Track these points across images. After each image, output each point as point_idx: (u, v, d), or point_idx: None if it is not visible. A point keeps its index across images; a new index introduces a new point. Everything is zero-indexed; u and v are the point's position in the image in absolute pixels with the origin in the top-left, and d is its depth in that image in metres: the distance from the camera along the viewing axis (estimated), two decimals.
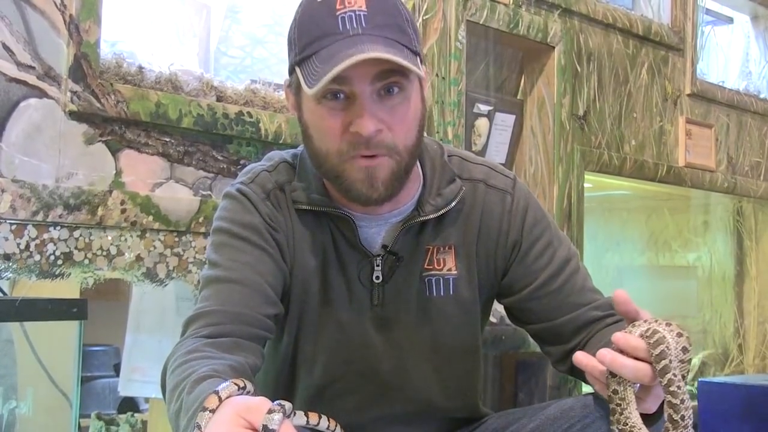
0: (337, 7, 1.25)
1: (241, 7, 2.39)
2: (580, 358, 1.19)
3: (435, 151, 1.44)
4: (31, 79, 1.73)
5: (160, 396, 2.16)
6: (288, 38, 1.33)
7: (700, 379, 2.97)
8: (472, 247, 1.43)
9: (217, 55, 2.36)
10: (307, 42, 1.27)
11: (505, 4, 2.64)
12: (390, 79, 1.26)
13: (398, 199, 1.37)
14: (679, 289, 4.01)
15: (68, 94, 1.77)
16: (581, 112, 2.94)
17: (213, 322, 1.25)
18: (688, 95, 3.40)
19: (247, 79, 2.20)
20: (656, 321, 1.15)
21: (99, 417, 2.55)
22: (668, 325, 1.14)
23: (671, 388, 1.10)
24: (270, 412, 0.95)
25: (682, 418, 1.10)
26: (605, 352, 1.14)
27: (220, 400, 1.00)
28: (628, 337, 1.14)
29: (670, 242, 3.95)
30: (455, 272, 1.42)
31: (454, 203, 1.40)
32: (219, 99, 2.02)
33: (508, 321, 2.43)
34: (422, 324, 1.42)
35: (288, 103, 1.39)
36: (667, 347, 1.10)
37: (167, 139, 1.94)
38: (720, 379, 3.15)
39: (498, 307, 1.57)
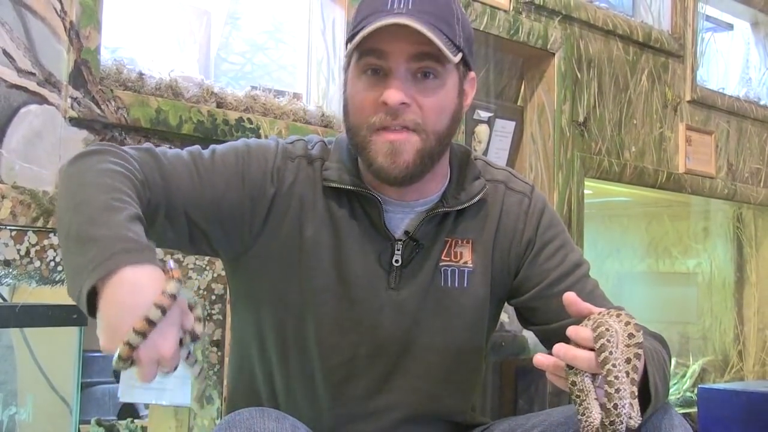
0: None
1: (241, 14, 2.40)
2: (540, 359, 1.21)
3: (462, 153, 1.50)
4: (32, 85, 1.74)
5: (161, 402, 2.18)
6: (347, 27, 1.41)
7: (700, 386, 2.97)
8: (489, 244, 1.47)
9: (218, 61, 2.36)
10: (358, 20, 1.35)
11: (505, 11, 2.64)
12: (425, 62, 1.33)
13: (425, 190, 1.42)
14: (679, 296, 4.01)
15: (68, 100, 1.77)
16: (581, 119, 2.94)
17: (146, 172, 1.27)
18: (689, 102, 3.41)
19: (248, 86, 2.20)
20: (608, 312, 1.20)
21: (99, 423, 2.55)
22: (618, 315, 1.19)
23: (609, 378, 1.13)
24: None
25: (615, 407, 1.13)
26: (559, 346, 1.18)
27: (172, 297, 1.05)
28: (578, 329, 1.18)
29: (670, 249, 3.95)
30: (471, 266, 1.45)
31: (476, 198, 1.45)
32: (219, 105, 2.02)
33: (508, 327, 2.44)
34: (434, 313, 1.43)
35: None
36: (608, 340, 1.14)
37: (167, 146, 1.94)
38: (720, 385, 3.14)
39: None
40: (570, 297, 1.24)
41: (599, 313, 1.20)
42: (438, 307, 1.43)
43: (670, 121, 3.33)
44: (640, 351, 1.16)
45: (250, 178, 1.37)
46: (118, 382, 2.56)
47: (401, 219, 1.42)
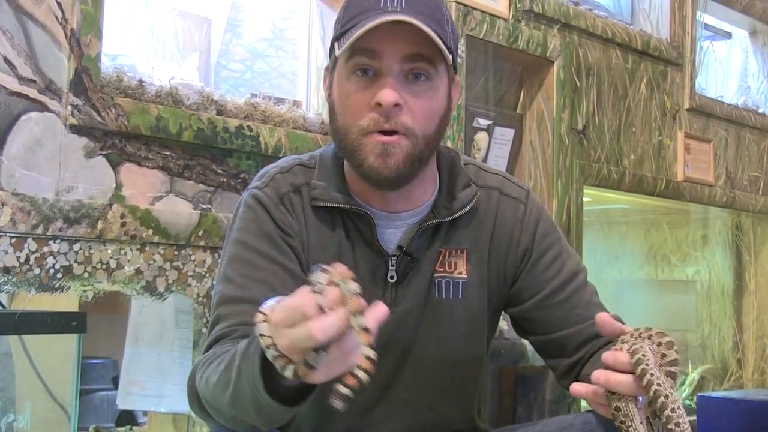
0: None
1: (241, 21, 2.40)
2: (578, 388, 1.22)
3: (452, 158, 1.47)
4: (32, 92, 1.74)
5: (159, 409, 2.17)
6: (333, 24, 1.37)
7: (698, 394, 2.96)
8: (483, 252, 1.45)
9: (218, 68, 2.36)
10: (348, 19, 1.32)
11: (505, 19, 2.64)
12: (418, 63, 1.30)
13: (413, 198, 1.40)
14: (678, 303, 4.01)
15: (69, 107, 1.77)
16: (580, 127, 2.94)
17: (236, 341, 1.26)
18: (687, 110, 3.41)
19: (248, 93, 2.21)
20: (639, 334, 1.20)
21: (97, 430, 2.55)
22: (650, 337, 1.19)
23: (665, 412, 1.13)
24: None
25: (673, 410, 1.14)
26: (599, 374, 1.17)
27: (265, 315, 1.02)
28: (615, 354, 1.17)
29: (669, 256, 3.95)
30: (465, 276, 1.43)
31: (468, 207, 1.42)
32: (219, 113, 2.03)
33: (507, 335, 2.44)
34: (429, 324, 1.42)
35: (324, 86, 1.43)
36: (647, 364, 1.14)
37: (167, 153, 1.94)
38: (719, 393, 3.14)
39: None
40: (603, 318, 1.24)
41: (631, 335, 1.20)
42: (433, 318, 1.42)
43: (669, 129, 3.34)
44: (673, 369, 1.16)
45: (278, 250, 1.35)
46: (116, 388, 2.56)
47: (393, 233, 1.40)
